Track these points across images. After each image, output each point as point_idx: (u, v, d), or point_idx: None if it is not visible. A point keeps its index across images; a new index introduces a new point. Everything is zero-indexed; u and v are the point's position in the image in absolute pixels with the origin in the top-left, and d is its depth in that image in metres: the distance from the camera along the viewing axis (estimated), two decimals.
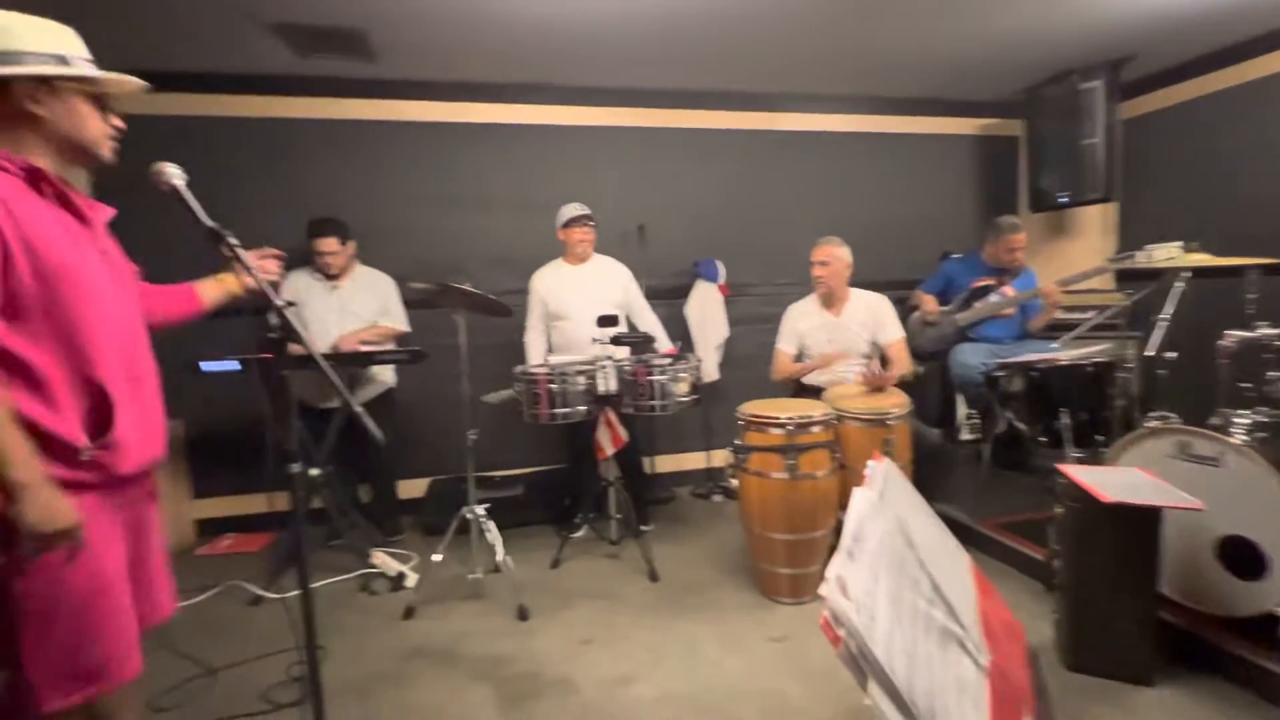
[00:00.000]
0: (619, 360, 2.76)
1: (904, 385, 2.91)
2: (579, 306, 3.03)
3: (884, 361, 3.00)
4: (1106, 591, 1.86)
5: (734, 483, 2.59)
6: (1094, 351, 2.70)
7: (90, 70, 1.21)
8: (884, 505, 0.87)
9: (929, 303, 3.53)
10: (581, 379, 2.66)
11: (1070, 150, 3.66)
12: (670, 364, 2.72)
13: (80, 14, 1.36)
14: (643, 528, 3.18)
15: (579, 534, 3.14)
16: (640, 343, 2.91)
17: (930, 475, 2.76)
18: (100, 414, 1.20)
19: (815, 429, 2.41)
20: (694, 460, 3.98)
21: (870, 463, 0.95)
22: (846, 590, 0.65)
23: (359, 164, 3.46)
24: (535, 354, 3.17)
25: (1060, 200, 3.81)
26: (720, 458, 3.81)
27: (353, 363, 2.93)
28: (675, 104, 3.80)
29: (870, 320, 3.02)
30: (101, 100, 1.25)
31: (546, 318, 3.18)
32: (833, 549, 0.84)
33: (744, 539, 2.68)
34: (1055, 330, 3.27)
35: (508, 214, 3.65)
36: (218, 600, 2.63)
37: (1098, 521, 1.85)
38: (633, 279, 3.29)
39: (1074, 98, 3.60)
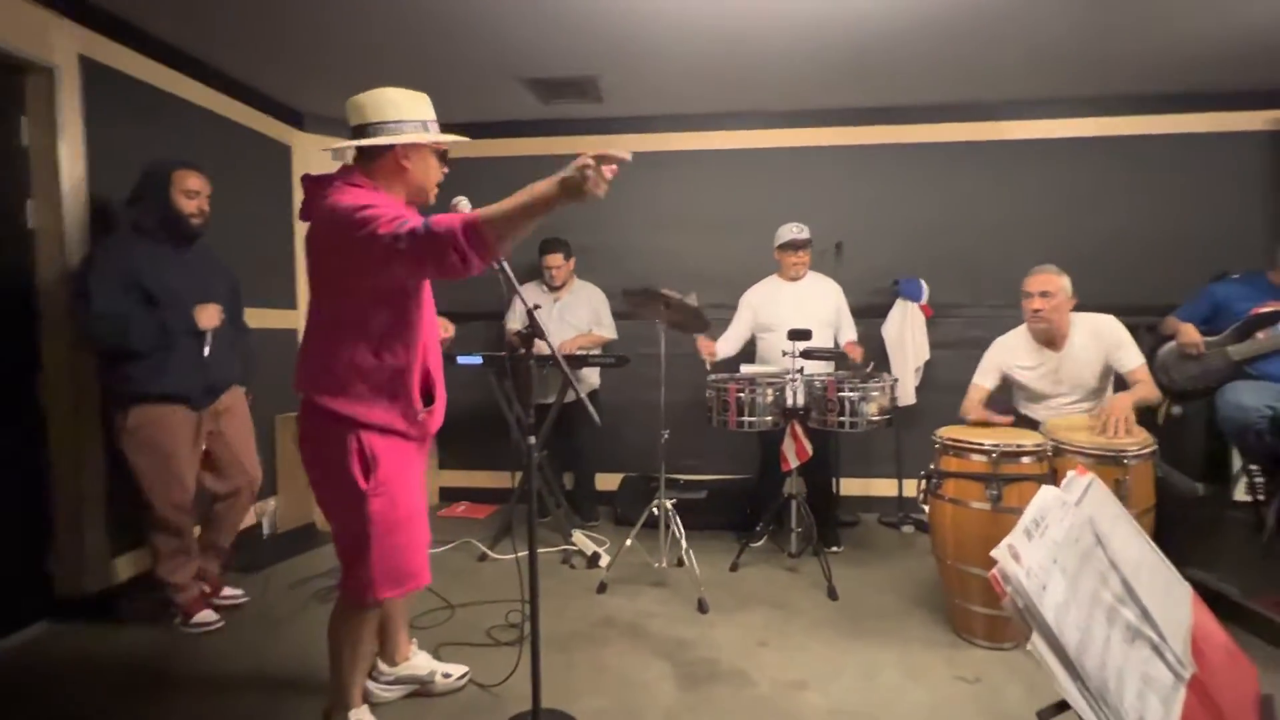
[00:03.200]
0: (809, 374, 2.80)
1: (1151, 425, 2.52)
2: (787, 320, 3.00)
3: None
4: None
5: (925, 509, 2.47)
6: None
7: (442, 135, 1.58)
8: (1077, 510, 0.83)
9: (1189, 331, 2.98)
10: (770, 390, 2.75)
11: None
12: (862, 382, 2.70)
13: (403, 82, 1.81)
14: (832, 549, 3.15)
15: (758, 543, 3.21)
16: (830, 358, 2.91)
17: (1179, 533, 2.34)
18: (427, 389, 1.61)
19: (1025, 459, 2.22)
20: (883, 487, 3.81)
21: (1071, 472, 0.91)
22: (1019, 558, 0.66)
23: None
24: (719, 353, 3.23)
25: None
26: (913, 487, 3.60)
27: (568, 364, 3.35)
28: (876, 120, 3.76)
29: (1097, 349, 2.58)
30: (443, 155, 1.63)
31: (754, 328, 3.31)
32: None
33: (936, 573, 2.53)
34: None
35: (704, 235, 3.90)
36: (454, 552, 3.18)
37: None
38: (844, 299, 3.30)
39: None
